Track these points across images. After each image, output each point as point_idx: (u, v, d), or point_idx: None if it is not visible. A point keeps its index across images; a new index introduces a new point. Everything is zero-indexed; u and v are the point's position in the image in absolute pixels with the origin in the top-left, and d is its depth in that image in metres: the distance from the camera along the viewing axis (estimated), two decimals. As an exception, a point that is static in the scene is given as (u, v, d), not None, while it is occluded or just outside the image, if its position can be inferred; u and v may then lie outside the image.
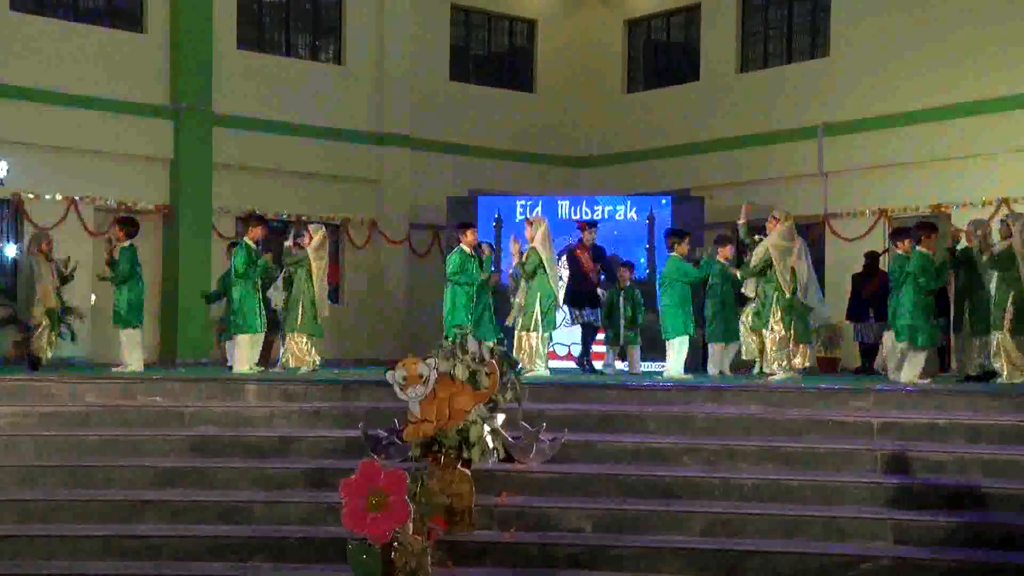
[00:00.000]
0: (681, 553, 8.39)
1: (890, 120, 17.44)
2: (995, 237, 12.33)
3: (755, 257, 12.57)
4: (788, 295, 12.20)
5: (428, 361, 8.81)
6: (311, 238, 13.49)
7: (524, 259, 13.33)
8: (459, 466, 8.73)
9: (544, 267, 13.29)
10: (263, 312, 13.22)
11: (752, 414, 10.26)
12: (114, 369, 12.89)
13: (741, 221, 13.53)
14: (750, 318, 13.71)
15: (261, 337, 13.43)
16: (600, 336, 14.77)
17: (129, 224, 13.24)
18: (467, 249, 13.65)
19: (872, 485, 8.96)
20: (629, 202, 17.49)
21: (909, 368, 11.89)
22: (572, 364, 15.89)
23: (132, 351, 13.01)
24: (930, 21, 17.17)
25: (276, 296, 13.65)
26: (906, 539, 8.40)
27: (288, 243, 14.02)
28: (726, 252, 14.23)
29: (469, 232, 13.80)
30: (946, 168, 16.81)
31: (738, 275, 13.32)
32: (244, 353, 13.03)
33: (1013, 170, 16.02)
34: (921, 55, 17.20)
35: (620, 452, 9.75)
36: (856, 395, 10.43)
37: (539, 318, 13.23)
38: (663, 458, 9.66)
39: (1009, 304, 11.64)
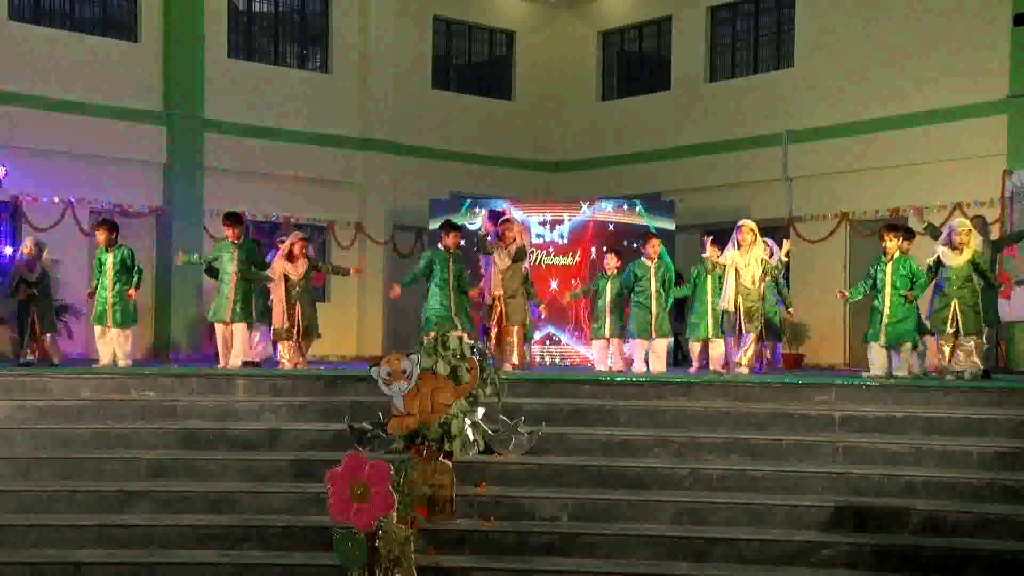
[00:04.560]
0: (651, 540, 8.62)
1: (851, 128, 17.74)
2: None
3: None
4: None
5: (411, 357, 9.00)
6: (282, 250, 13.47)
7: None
8: (440, 458, 8.91)
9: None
10: (247, 306, 13.16)
11: (719, 408, 10.40)
12: (123, 364, 12.86)
13: (708, 255, 13.21)
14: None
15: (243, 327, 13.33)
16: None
17: (112, 226, 13.18)
18: (442, 249, 13.15)
19: (833, 475, 9.18)
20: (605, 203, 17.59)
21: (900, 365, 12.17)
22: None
23: (127, 347, 13.14)
24: (888, 35, 17.49)
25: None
26: (865, 527, 8.63)
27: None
28: (714, 251, 13.41)
29: (451, 234, 13.18)
30: (903, 174, 17.13)
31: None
32: (218, 344, 13.09)
33: (965, 176, 16.37)
34: (880, 67, 17.52)
35: (593, 444, 9.92)
36: (818, 389, 10.52)
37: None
38: (634, 450, 9.84)
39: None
